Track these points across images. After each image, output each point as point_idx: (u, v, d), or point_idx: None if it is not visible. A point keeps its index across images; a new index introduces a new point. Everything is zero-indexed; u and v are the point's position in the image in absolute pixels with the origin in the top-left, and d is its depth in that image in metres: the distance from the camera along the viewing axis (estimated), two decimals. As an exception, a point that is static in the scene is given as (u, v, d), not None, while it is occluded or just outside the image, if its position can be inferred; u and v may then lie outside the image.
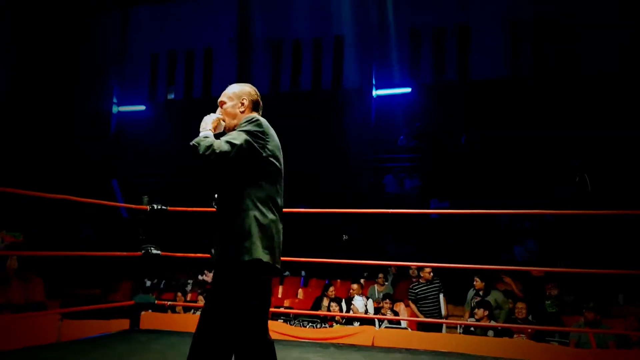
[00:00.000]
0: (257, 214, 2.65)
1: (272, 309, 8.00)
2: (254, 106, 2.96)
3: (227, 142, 2.64)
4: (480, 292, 7.38)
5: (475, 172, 12.09)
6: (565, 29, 13.66)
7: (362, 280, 8.60)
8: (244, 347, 2.57)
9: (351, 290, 7.75)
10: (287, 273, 10.60)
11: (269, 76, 16.32)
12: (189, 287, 9.59)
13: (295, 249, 11.03)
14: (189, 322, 6.24)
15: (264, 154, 2.72)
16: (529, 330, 6.38)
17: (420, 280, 7.52)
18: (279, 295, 9.19)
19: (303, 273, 10.60)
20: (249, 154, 2.68)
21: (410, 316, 7.84)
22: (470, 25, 14.66)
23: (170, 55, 17.40)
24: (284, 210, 2.86)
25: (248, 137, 2.69)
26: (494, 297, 7.82)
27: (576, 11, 13.60)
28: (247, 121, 2.78)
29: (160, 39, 16.89)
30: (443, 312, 7.44)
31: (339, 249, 10.51)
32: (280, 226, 2.75)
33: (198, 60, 17.13)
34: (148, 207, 5.13)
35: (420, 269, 7.53)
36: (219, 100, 3.01)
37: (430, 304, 7.38)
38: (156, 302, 5.26)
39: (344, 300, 7.67)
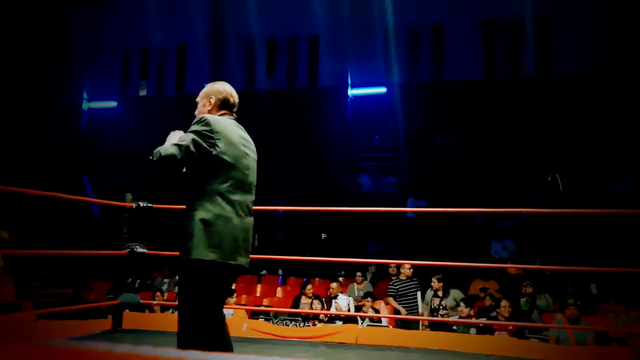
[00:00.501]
0: (203, 213, 2.70)
1: (252, 308, 7.95)
2: (222, 104, 2.99)
3: (174, 144, 2.73)
4: (439, 293, 7.46)
5: (450, 172, 12.20)
6: (539, 31, 13.89)
7: (340, 279, 8.58)
8: (194, 340, 2.68)
9: (331, 289, 7.72)
10: (264, 272, 10.53)
11: (243, 74, 16.18)
12: (165, 287, 9.42)
13: (273, 248, 11.05)
14: (170, 321, 6.13)
15: (214, 152, 2.75)
16: (510, 327, 6.45)
17: (401, 277, 7.54)
18: (258, 294, 9.11)
19: (280, 272, 10.54)
20: (198, 153, 2.73)
21: (390, 313, 7.85)
22: (444, 26, 14.79)
23: (143, 51, 17.12)
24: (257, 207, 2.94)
25: (195, 137, 2.73)
26: (453, 296, 7.89)
27: (550, 12, 13.87)
28: (195, 121, 2.82)
29: (133, 34, 16.59)
30: (420, 309, 7.47)
31: (318, 247, 10.48)
32: (238, 221, 2.76)
33: (171, 57, 16.90)
34: (133, 205, 5.00)
35: (400, 266, 7.55)
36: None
37: (409, 301, 7.40)
38: (141, 301, 5.15)
39: (324, 298, 7.64)
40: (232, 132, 2.85)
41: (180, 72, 16.79)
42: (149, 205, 5.01)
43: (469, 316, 6.63)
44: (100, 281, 10.08)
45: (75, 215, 11.88)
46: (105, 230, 11.75)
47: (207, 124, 2.77)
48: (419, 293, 7.69)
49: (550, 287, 8.56)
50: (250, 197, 2.89)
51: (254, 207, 2.92)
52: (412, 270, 7.46)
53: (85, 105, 17.11)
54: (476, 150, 12.73)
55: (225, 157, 2.76)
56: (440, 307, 7.40)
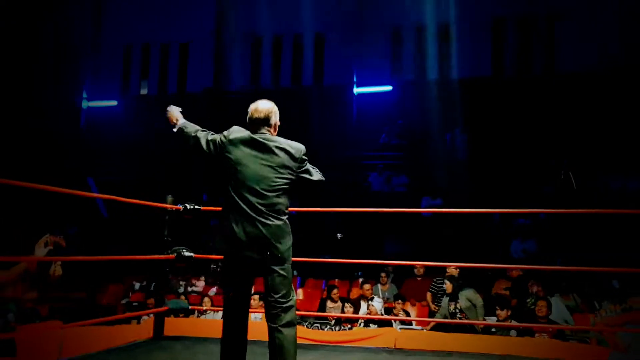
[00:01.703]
0: (225, 215, 3.23)
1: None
2: (249, 122, 3.37)
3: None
4: (452, 296, 7.38)
5: (462, 170, 12.12)
6: (547, 29, 13.86)
7: (382, 277, 8.40)
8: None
9: (364, 291, 7.58)
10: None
11: (248, 72, 15.98)
12: (181, 289, 9.24)
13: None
14: (209, 326, 5.95)
15: (228, 160, 3.24)
16: (550, 329, 6.35)
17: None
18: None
19: (295, 273, 10.37)
20: (215, 157, 3.30)
21: (420, 314, 7.75)
22: (452, 24, 14.70)
23: (144, 48, 16.83)
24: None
25: (215, 137, 3.35)
26: (465, 295, 7.77)
27: (558, 10, 13.83)
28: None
29: (134, 31, 16.30)
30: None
31: (335, 248, 10.32)
32: (247, 224, 3.12)
33: (173, 55, 16.63)
34: (181, 207, 4.82)
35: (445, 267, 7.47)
36: None
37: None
38: (190, 307, 4.97)
39: (353, 300, 7.50)
40: (243, 139, 3.26)
41: (182, 70, 16.53)
42: (197, 207, 4.83)
43: (506, 319, 6.51)
44: (112, 284, 9.86)
45: (83, 216, 11.62)
46: (113, 231, 11.56)
47: (227, 131, 3.33)
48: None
49: (574, 286, 8.48)
50: (262, 199, 3.15)
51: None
52: (458, 270, 7.35)
53: (85, 104, 16.77)
54: (486, 148, 12.66)
55: (235, 165, 3.21)
56: (457, 310, 7.29)
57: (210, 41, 15.92)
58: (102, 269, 9.84)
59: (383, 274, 8.49)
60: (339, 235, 10.44)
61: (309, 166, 3.32)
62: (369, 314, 7.00)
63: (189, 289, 9.41)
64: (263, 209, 3.13)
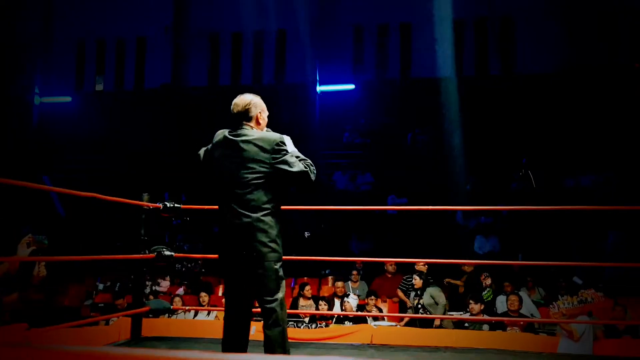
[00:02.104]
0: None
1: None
2: (230, 118, 3.31)
3: None
4: (419, 292, 7.48)
5: (425, 169, 12.29)
6: (506, 30, 14.19)
7: (354, 275, 8.40)
8: None
9: (337, 288, 7.58)
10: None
11: (207, 69, 15.76)
12: (147, 290, 9.01)
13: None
14: (188, 327, 5.86)
15: (211, 165, 3.27)
16: (521, 322, 6.49)
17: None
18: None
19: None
20: (206, 164, 3.33)
21: (391, 310, 7.81)
22: (413, 24, 14.88)
23: (100, 43, 16.36)
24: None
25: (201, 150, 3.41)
26: (430, 293, 7.89)
27: (514, 12, 14.19)
28: None
29: (89, 25, 15.81)
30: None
31: (302, 246, 10.29)
32: (229, 222, 3.10)
33: (130, 50, 16.24)
34: (160, 205, 4.69)
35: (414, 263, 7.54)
36: None
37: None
38: (172, 307, 4.85)
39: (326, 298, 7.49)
40: (220, 143, 3.23)
41: (139, 66, 16.16)
42: (177, 205, 4.72)
43: (479, 313, 6.63)
44: (73, 285, 9.54)
45: (40, 216, 11.20)
46: (72, 231, 11.19)
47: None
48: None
49: (539, 280, 8.71)
50: (235, 197, 3.09)
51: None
52: (426, 267, 7.43)
53: (37, 100, 16.18)
54: (448, 148, 12.87)
55: (215, 170, 3.22)
56: (419, 305, 7.39)
57: (168, 37, 15.61)
58: (59, 270, 9.49)
59: (354, 272, 8.51)
60: (306, 234, 10.42)
61: (287, 157, 3.12)
62: (344, 311, 7.01)
63: (154, 288, 9.21)
64: (236, 207, 3.07)
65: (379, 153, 13.28)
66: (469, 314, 6.68)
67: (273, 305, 3.04)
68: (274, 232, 3.08)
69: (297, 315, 7.00)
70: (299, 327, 6.59)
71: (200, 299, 7.31)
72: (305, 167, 3.14)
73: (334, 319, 6.85)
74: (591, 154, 11.99)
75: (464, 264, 8.59)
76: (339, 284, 7.58)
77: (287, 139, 3.32)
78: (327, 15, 14.79)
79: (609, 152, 11.93)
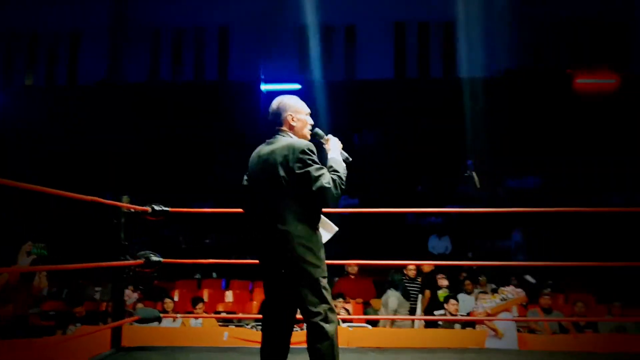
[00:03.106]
0: None
1: (242, 315, 7.50)
2: None
3: None
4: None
5: (373, 170, 12.41)
6: (448, 33, 14.56)
7: None
8: None
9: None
10: (197, 275, 10.01)
11: (147, 65, 15.22)
12: (97, 296, 8.59)
13: (203, 250, 10.51)
14: (171, 334, 5.64)
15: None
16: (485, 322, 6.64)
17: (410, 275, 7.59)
18: (205, 299, 8.56)
19: (214, 275, 10.06)
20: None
21: (355, 312, 7.82)
22: (357, 26, 15.00)
23: (32, 36, 15.42)
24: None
25: None
26: (388, 295, 8.00)
27: (456, 16, 14.56)
28: None
29: (18, 18, 14.87)
30: (419, 310, 7.51)
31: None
32: (256, 235, 2.91)
33: (64, 44, 15.40)
34: (149, 209, 4.45)
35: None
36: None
37: (412, 301, 7.46)
38: (162, 315, 4.60)
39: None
40: (255, 152, 3.07)
41: (73, 61, 15.36)
42: (165, 209, 4.49)
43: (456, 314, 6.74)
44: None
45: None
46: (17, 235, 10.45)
47: None
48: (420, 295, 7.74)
49: (492, 279, 8.97)
50: (266, 215, 2.85)
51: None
52: (415, 271, 7.47)
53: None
54: (395, 149, 13.06)
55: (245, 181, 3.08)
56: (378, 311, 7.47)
57: (105, 31, 14.95)
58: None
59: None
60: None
61: (311, 169, 2.77)
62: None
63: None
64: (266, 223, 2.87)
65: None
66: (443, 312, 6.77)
67: (315, 319, 2.79)
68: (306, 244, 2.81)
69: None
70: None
71: (165, 306, 7.02)
72: (327, 183, 2.75)
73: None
74: (533, 156, 12.52)
75: (423, 265, 8.73)
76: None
77: (333, 142, 3.08)
78: (272, 14, 14.60)
79: (548, 154, 12.50)
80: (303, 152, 2.81)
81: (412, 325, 7.13)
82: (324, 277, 2.81)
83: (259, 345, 5.93)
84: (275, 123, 3.02)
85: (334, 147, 3.05)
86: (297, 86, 14.86)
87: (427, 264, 7.84)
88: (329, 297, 2.81)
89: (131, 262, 4.35)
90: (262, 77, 14.98)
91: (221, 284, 9.38)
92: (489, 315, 5.86)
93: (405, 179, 11.91)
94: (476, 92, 13.86)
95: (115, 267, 4.59)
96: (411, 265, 7.41)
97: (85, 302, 8.17)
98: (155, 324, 6.75)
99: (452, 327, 6.66)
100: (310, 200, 2.80)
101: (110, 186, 12.00)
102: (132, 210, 4.65)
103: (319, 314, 2.74)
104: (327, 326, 2.74)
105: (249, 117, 14.58)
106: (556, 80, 13.86)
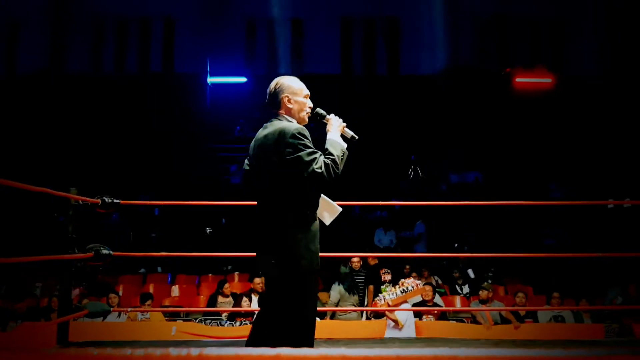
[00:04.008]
0: None
1: (188, 309, 7.42)
2: None
3: None
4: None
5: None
6: (393, 30, 14.80)
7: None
8: None
9: (257, 285, 7.48)
10: (142, 270, 9.85)
11: (89, 56, 14.79)
12: (38, 292, 8.35)
13: (150, 244, 10.33)
14: (116, 330, 5.56)
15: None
16: (435, 312, 6.85)
17: (354, 267, 7.66)
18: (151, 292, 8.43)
19: (160, 269, 9.92)
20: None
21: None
22: (304, 20, 15.03)
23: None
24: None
25: None
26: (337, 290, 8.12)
27: (400, 13, 14.83)
28: None
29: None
30: (366, 300, 7.62)
31: (204, 242, 10.04)
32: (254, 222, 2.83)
33: (1, 33, 14.78)
34: (99, 201, 4.36)
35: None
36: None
37: (361, 294, 7.56)
38: (112, 309, 4.52)
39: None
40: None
41: (10, 50, 14.75)
42: (116, 201, 4.42)
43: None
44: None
45: None
46: None
47: None
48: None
49: (437, 271, 9.22)
50: (261, 202, 2.78)
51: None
52: (360, 263, 7.56)
53: None
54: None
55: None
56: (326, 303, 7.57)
57: (45, 19, 14.45)
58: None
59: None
60: (208, 230, 10.17)
61: (302, 154, 2.63)
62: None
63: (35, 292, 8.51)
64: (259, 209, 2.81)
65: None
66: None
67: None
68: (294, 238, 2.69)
69: (216, 314, 6.85)
70: (222, 325, 6.44)
71: (110, 300, 6.88)
72: (319, 169, 2.62)
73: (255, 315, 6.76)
74: (473, 152, 12.91)
75: (369, 257, 8.88)
76: (258, 280, 7.49)
77: (333, 121, 2.90)
78: (218, 6, 14.48)
79: (485, 150, 12.92)
80: (293, 136, 2.65)
81: (361, 318, 7.25)
82: (312, 270, 2.71)
83: (206, 339, 5.97)
84: (272, 105, 2.85)
85: (334, 128, 2.87)
86: (243, 79, 14.82)
87: (372, 256, 8.01)
88: (311, 291, 2.72)
89: (80, 255, 4.25)
90: (209, 69, 14.83)
91: (167, 279, 9.26)
92: (390, 306, 6.05)
93: (349, 173, 12.03)
94: (419, 89, 14.19)
95: (63, 261, 4.49)
96: (355, 257, 7.53)
97: (27, 298, 7.93)
98: (101, 319, 6.65)
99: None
100: (302, 186, 2.67)
101: (55, 179, 11.63)
102: (82, 202, 4.54)
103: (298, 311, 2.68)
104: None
105: (196, 110, 14.45)
106: (496, 78, 14.33)
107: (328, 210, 2.95)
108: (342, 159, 2.74)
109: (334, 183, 2.71)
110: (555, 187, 12.20)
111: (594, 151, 12.85)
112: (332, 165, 2.64)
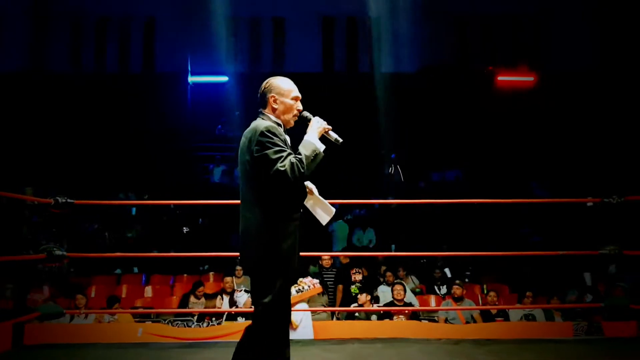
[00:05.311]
0: None
1: (159, 310, 7.33)
2: None
3: None
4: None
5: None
6: (376, 28, 14.77)
7: (238, 270, 8.19)
8: None
9: (226, 283, 7.42)
10: (118, 270, 9.75)
11: (68, 55, 14.66)
12: (8, 293, 8.21)
13: (132, 244, 10.23)
14: (80, 332, 5.47)
15: None
16: (406, 311, 6.80)
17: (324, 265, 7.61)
18: (123, 295, 8.34)
19: (136, 270, 9.82)
20: None
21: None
22: (286, 19, 14.97)
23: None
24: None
25: None
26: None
27: (381, 11, 14.78)
28: None
29: None
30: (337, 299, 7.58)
31: (181, 242, 9.95)
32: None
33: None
34: (52, 201, 4.28)
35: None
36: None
37: (331, 290, 7.51)
38: (65, 312, 4.43)
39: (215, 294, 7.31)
40: None
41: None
42: (70, 200, 4.34)
43: (367, 303, 6.83)
44: None
45: None
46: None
47: None
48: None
49: (412, 271, 9.17)
50: (240, 198, 2.80)
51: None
52: (331, 260, 7.50)
53: None
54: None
55: None
56: None
57: (25, 17, 14.31)
58: None
59: (238, 268, 8.37)
60: (185, 229, 10.09)
61: (269, 152, 2.63)
62: (245, 305, 6.88)
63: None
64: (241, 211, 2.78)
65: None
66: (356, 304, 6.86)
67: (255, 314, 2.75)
68: (267, 236, 2.69)
69: (188, 314, 6.78)
70: (189, 327, 6.37)
71: (77, 302, 6.79)
72: (282, 167, 2.61)
73: (225, 316, 6.70)
74: (454, 151, 12.89)
75: (342, 256, 8.83)
76: (228, 279, 7.42)
77: (313, 123, 2.83)
78: (199, 6, 14.36)
79: (469, 148, 12.89)
80: (262, 134, 2.66)
81: (331, 318, 7.18)
82: (280, 270, 2.70)
83: (172, 340, 5.89)
84: (260, 104, 2.88)
85: (312, 129, 2.83)
86: (224, 78, 14.74)
87: (344, 255, 7.96)
88: (276, 291, 2.69)
89: (32, 256, 4.17)
90: (190, 68, 14.74)
91: (141, 279, 9.16)
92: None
93: (330, 171, 11.98)
94: (400, 87, 14.13)
95: (18, 262, 4.42)
96: (325, 255, 7.48)
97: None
98: (66, 321, 6.56)
99: (369, 319, 6.75)
100: (269, 185, 2.67)
101: (35, 179, 11.51)
102: (36, 202, 4.47)
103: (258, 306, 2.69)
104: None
105: (176, 109, 14.36)
106: (478, 77, 14.32)
107: (324, 210, 2.98)
108: (312, 159, 2.70)
109: (299, 182, 2.69)
110: (537, 185, 12.20)
111: (576, 149, 12.86)
112: (297, 164, 2.62)
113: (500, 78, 14.84)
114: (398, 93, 14.08)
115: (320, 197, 2.97)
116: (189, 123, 14.27)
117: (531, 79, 14.70)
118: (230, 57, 14.93)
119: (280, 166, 2.60)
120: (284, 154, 2.64)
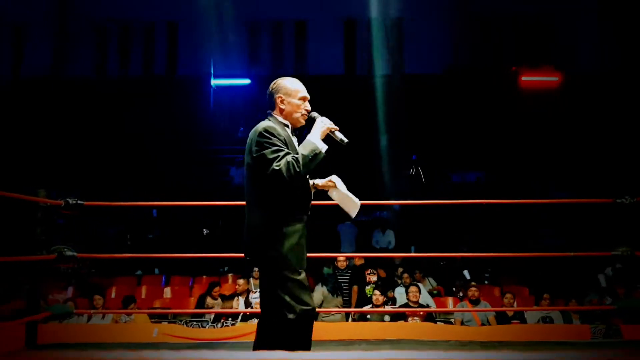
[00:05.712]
0: None
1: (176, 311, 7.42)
2: None
3: None
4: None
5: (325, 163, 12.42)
6: (396, 30, 14.71)
7: (255, 272, 8.24)
8: None
9: (239, 287, 7.47)
10: (139, 272, 9.90)
11: (93, 60, 14.93)
12: (24, 293, 8.39)
13: (153, 246, 10.38)
14: (84, 332, 5.56)
15: None
16: (421, 313, 6.76)
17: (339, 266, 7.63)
18: (143, 296, 8.46)
19: (157, 271, 9.96)
20: None
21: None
22: (308, 21, 15.02)
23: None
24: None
25: None
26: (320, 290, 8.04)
27: (404, 14, 14.72)
28: None
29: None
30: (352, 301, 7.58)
31: (201, 244, 10.06)
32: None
33: (4, 37, 14.99)
34: (62, 202, 4.38)
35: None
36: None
37: (346, 292, 7.52)
38: (75, 312, 4.54)
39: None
40: None
41: (17, 55, 14.96)
42: (80, 202, 4.43)
43: (384, 304, 6.82)
44: None
45: None
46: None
47: None
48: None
49: (431, 272, 9.11)
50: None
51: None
52: (347, 262, 7.52)
53: None
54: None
55: None
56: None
57: (49, 23, 14.63)
58: None
59: (256, 269, 8.42)
60: (205, 231, 10.19)
61: (267, 152, 2.66)
62: (252, 308, 6.94)
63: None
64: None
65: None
66: (370, 305, 6.84)
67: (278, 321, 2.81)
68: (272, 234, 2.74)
69: (204, 315, 6.85)
70: (204, 327, 6.43)
71: (94, 302, 6.92)
72: (277, 166, 2.64)
73: (240, 317, 6.74)
74: (476, 152, 12.74)
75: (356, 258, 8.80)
76: (240, 281, 7.47)
77: (317, 122, 2.88)
78: (222, 10, 14.50)
79: (490, 150, 12.74)
80: (260, 134, 2.72)
81: (345, 319, 7.18)
82: (288, 271, 2.71)
83: (186, 341, 5.96)
84: (268, 105, 2.92)
85: (315, 129, 2.86)
86: (247, 81, 14.85)
87: (358, 256, 7.94)
88: (293, 292, 2.69)
89: (42, 256, 4.27)
90: (212, 72, 14.89)
91: (161, 280, 9.29)
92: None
93: (353, 173, 11.96)
94: (421, 88, 14.04)
95: (31, 262, 4.52)
96: (341, 257, 7.48)
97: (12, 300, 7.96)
98: (84, 320, 6.69)
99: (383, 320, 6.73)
100: (267, 184, 2.70)
101: (57, 182, 11.75)
102: (49, 204, 4.57)
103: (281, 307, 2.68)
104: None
105: (199, 112, 14.52)
106: (502, 77, 14.14)
107: (349, 203, 3.08)
108: (310, 159, 2.72)
109: (296, 182, 2.71)
110: (558, 188, 12.01)
111: (600, 151, 12.60)
112: (293, 164, 2.66)
113: (524, 78, 14.62)
114: (421, 94, 14.00)
115: (345, 191, 3.03)
116: (211, 125, 14.39)
117: (556, 79, 14.45)
118: (252, 60, 15.05)
119: (276, 165, 2.63)
120: (281, 153, 2.67)
